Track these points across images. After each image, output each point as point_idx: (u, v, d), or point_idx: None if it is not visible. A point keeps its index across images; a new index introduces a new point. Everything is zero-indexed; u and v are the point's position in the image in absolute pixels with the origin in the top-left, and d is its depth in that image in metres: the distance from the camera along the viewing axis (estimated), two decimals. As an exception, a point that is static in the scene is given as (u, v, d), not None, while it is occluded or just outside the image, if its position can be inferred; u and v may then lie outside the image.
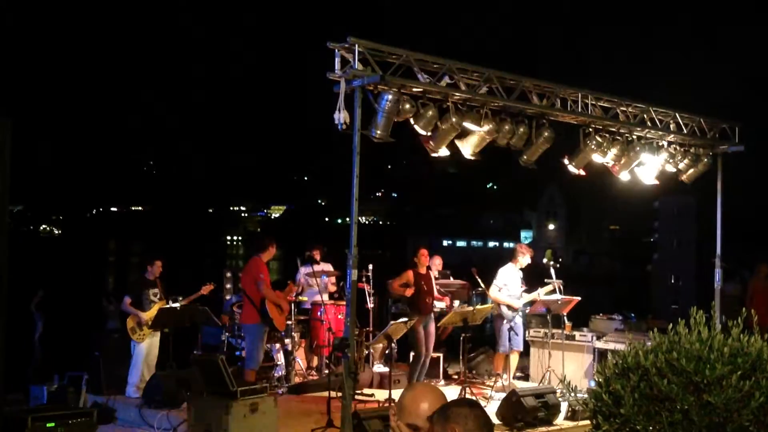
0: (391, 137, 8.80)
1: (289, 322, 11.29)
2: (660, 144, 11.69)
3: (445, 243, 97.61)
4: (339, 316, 11.70)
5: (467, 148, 10.03)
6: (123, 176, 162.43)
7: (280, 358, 11.11)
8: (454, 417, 3.04)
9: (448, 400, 3.23)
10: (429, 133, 9.44)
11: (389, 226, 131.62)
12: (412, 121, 9.16)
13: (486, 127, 9.71)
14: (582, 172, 11.18)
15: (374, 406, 9.78)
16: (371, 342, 11.11)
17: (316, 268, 12.21)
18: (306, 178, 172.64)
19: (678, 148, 11.95)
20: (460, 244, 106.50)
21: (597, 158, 11.08)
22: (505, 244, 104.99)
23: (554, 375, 10.96)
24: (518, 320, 11.40)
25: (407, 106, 8.93)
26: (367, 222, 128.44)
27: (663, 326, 5.60)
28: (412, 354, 11.17)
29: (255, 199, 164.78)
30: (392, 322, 10.03)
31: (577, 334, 11.72)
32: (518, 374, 11.77)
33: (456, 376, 11.93)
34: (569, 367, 11.21)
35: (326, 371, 11.22)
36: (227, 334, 11.21)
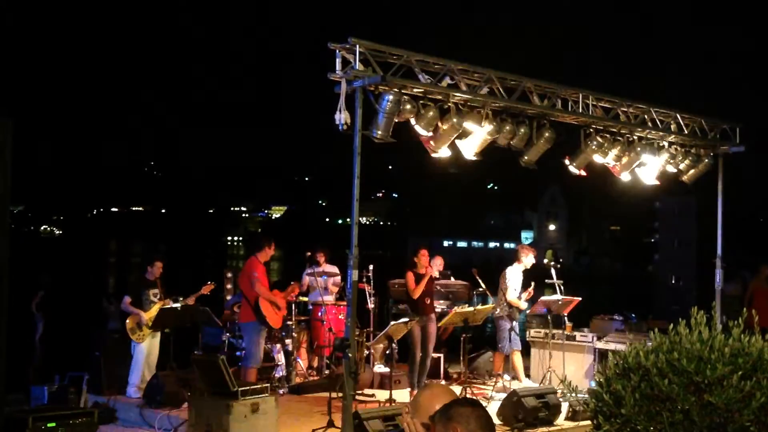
0: (391, 138, 8.80)
1: (290, 323, 11.30)
2: (661, 144, 11.68)
3: (445, 243, 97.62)
4: (340, 317, 11.70)
5: (468, 149, 10.02)
6: (124, 176, 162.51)
7: (281, 358, 11.11)
8: (456, 417, 3.05)
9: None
10: (430, 134, 9.44)
11: (390, 226, 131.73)
12: (412, 121, 9.16)
13: (487, 128, 9.71)
14: (583, 173, 11.18)
15: (375, 406, 9.78)
16: (372, 342, 11.11)
17: (326, 269, 12.26)
18: (307, 179, 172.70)
19: (679, 148, 11.94)
20: (461, 244, 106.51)
21: (598, 159, 11.08)
22: (506, 245, 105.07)
23: (555, 375, 10.96)
24: (515, 322, 11.44)
25: (408, 106, 8.93)
26: (367, 222, 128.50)
27: (664, 326, 5.59)
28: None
29: (256, 199, 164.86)
30: (393, 322, 10.03)
31: (577, 334, 11.72)
32: (511, 374, 11.74)
33: (457, 376, 11.92)
34: (570, 368, 11.21)
35: (327, 371, 11.23)
36: (228, 334, 11.20)
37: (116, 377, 10.51)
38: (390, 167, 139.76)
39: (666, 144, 11.75)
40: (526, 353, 12.02)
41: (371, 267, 12.27)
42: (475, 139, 9.89)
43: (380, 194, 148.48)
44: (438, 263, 11.66)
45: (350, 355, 8.12)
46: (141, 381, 10.31)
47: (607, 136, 10.99)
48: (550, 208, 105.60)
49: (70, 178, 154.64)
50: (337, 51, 8.46)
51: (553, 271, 11.60)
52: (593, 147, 10.84)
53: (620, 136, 11.16)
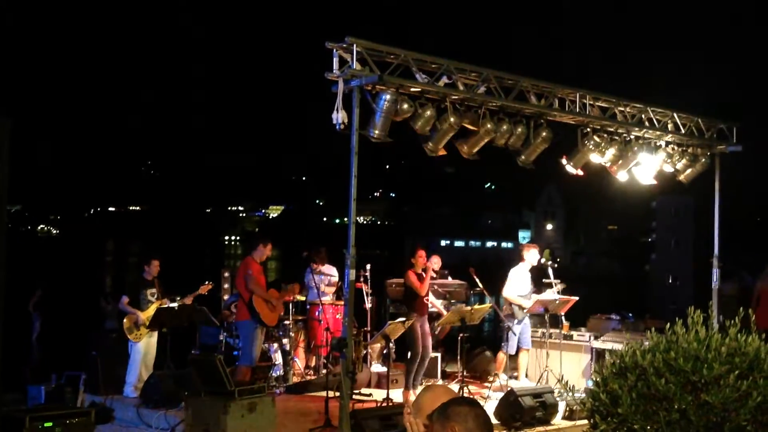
0: (389, 137, 8.80)
1: (287, 322, 11.30)
2: (658, 144, 11.70)
3: (443, 243, 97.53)
4: (337, 316, 11.70)
5: (465, 148, 10.03)
6: (121, 176, 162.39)
7: (278, 357, 11.11)
8: (454, 416, 3.05)
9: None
10: (427, 133, 9.44)
11: (387, 226, 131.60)
12: (410, 121, 9.16)
13: (484, 127, 9.71)
14: (580, 172, 11.19)
15: (372, 405, 9.78)
16: (369, 342, 11.12)
17: (324, 270, 12.27)
18: (304, 178, 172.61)
19: (676, 148, 11.96)
20: (458, 244, 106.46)
21: (595, 158, 11.08)
22: (503, 244, 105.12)
23: (552, 375, 10.97)
24: (527, 320, 11.44)
25: (405, 106, 8.93)
26: (365, 222, 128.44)
27: (660, 326, 5.60)
28: (409, 353, 11.18)
29: (253, 199, 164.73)
30: (390, 321, 10.03)
31: (574, 333, 11.73)
32: (514, 373, 11.75)
33: (457, 376, 11.92)
34: (567, 367, 11.22)
35: (324, 371, 11.22)
36: (225, 333, 11.20)
37: (113, 377, 10.50)
38: (388, 167, 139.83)
39: (663, 143, 11.76)
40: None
41: (368, 266, 12.29)
42: (472, 138, 9.90)
43: (378, 194, 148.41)
44: (435, 262, 11.67)
45: (347, 354, 8.12)
46: (138, 380, 10.31)
47: (605, 135, 11.00)
48: (548, 207, 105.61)
49: (67, 177, 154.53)
50: (335, 50, 8.46)
51: (550, 271, 11.61)
52: (590, 146, 10.85)
53: (617, 136, 11.16)
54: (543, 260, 11.71)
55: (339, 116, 8.31)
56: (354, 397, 9.21)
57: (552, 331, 11.46)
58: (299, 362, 11.88)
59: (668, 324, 5.45)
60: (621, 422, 5.11)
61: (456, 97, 9.43)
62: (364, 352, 11.57)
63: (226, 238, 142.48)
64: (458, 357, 11.05)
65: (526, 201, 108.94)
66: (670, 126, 11.68)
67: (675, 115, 11.66)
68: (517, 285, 11.47)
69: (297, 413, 9.72)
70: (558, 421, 9.57)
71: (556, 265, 11.82)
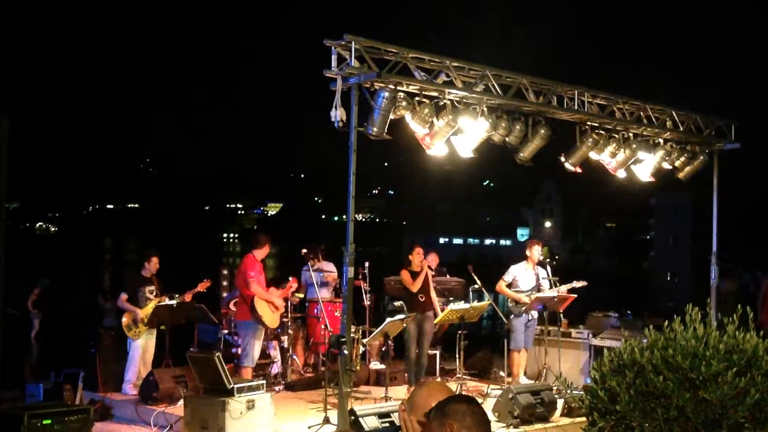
0: (387, 135, 8.80)
1: (286, 319, 11.29)
2: (656, 141, 11.70)
3: (441, 240, 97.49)
4: (336, 314, 11.69)
5: (464, 146, 10.03)
6: (119, 173, 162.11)
7: (277, 355, 11.12)
8: (452, 413, 3.04)
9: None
10: (425, 131, 9.44)
11: (386, 223, 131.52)
12: (408, 118, 9.16)
13: (482, 125, 9.72)
14: (578, 170, 11.19)
15: (371, 403, 9.78)
16: (368, 339, 11.12)
17: (323, 267, 12.27)
18: (303, 176, 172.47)
19: (674, 145, 11.96)
20: (457, 241, 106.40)
21: (593, 156, 11.09)
22: (502, 242, 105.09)
23: (551, 372, 10.98)
24: (534, 316, 11.41)
25: (403, 103, 8.94)
26: (363, 219, 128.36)
27: (659, 323, 5.61)
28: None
29: (251, 196, 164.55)
30: (389, 319, 10.03)
31: (573, 331, 11.74)
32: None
33: (456, 373, 11.93)
34: (565, 364, 11.23)
35: (323, 368, 11.23)
36: (224, 331, 11.19)
37: (112, 374, 10.51)
38: (386, 164, 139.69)
39: (661, 141, 11.77)
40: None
41: (367, 264, 12.29)
42: (470, 136, 9.90)
43: (376, 191, 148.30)
44: (432, 260, 11.67)
45: (346, 351, 8.12)
46: (137, 378, 10.31)
47: (603, 133, 11.00)
48: (546, 205, 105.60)
49: (65, 175, 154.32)
50: (333, 48, 8.46)
51: (548, 268, 11.61)
52: (589, 144, 10.85)
53: (616, 133, 11.17)
54: (542, 257, 11.71)
55: (337, 114, 8.31)
56: (353, 394, 9.21)
57: (551, 328, 11.46)
58: (298, 360, 11.88)
59: (666, 321, 5.45)
60: (619, 419, 5.12)
61: (454, 94, 9.43)
62: (363, 349, 11.58)
63: (225, 235, 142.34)
64: (457, 354, 11.05)
65: (524, 198, 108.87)
66: (668, 123, 11.69)
67: (673, 112, 11.67)
68: (518, 281, 11.44)
69: (295, 411, 9.72)
70: (556, 418, 9.57)
71: (554, 263, 11.82)
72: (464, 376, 11.11)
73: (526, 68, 10.26)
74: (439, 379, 11.67)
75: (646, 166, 11.73)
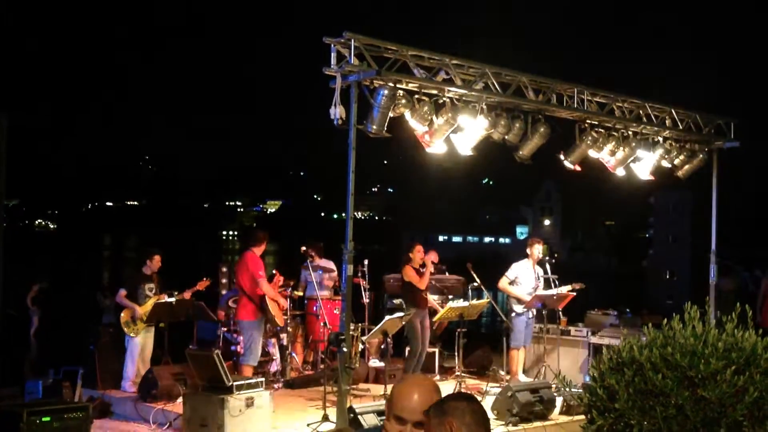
0: (386, 132, 8.80)
1: (285, 317, 11.29)
2: (655, 140, 11.70)
3: (441, 238, 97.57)
4: (335, 311, 11.70)
5: (463, 144, 10.03)
6: (118, 171, 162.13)
7: (276, 352, 11.12)
8: (451, 411, 3.04)
9: (443, 394, 3.22)
10: (425, 129, 9.44)
11: (385, 221, 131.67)
12: (407, 116, 9.16)
13: (482, 123, 9.71)
14: (577, 168, 11.19)
15: (370, 400, 9.78)
16: (367, 337, 11.12)
17: (322, 264, 12.26)
18: (302, 173, 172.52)
19: (673, 143, 11.96)
20: (456, 239, 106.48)
21: (593, 154, 11.09)
22: (501, 240, 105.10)
23: (549, 370, 10.98)
24: (533, 314, 11.43)
25: (403, 101, 8.93)
26: (363, 217, 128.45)
27: (658, 321, 5.61)
28: (407, 349, 11.19)
29: (251, 194, 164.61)
30: (388, 317, 10.03)
31: (572, 329, 11.74)
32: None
33: (455, 371, 11.93)
34: (564, 362, 11.23)
35: (322, 366, 11.24)
36: (223, 328, 11.19)
37: (111, 371, 10.50)
38: (385, 162, 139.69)
39: (661, 139, 11.77)
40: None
41: (366, 262, 12.28)
42: (470, 134, 9.90)
43: (375, 189, 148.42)
44: (432, 257, 11.68)
45: (345, 349, 8.13)
46: (136, 375, 10.30)
47: (602, 131, 11.00)
48: (545, 203, 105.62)
49: (64, 172, 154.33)
50: (332, 45, 8.46)
51: (547, 266, 11.61)
52: (588, 142, 10.85)
53: (615, 131, 11.16)
54: (541, 256, 11.72)
55: (337, 111, 8.31)
56: (352, 392, 9.20)
57: (550, 326, 11.47)
58: (297, 357, 11.88)
59: (665, 319, 5.45)
60: (618, 417, 5.12)
61: (453, 92, 9.42)
62: (362, 347, 11.58)
63: (224, 233, 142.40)
64: (456, 352, 11.06)
65: (524, 197, 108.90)
66: (667, 122, 11.69)
67: (673, 111, 11.67)
68: (519, 279, 11.45)
69: (295, 408, 9.72)
70: (555, 416, 9.58)
71: (553, 261, 11.83)
72: (463, 374, 11.11)
73: (526, 67, 10.22)
74: (437, 377, 11.68)
75: (645, 165, 11.73)
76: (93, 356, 10.56)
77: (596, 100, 10.90)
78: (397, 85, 8.87)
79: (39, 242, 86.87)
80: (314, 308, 11.87)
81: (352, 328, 9.11)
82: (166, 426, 8.94)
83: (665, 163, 11.96)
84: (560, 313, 11.66)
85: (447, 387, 10.14)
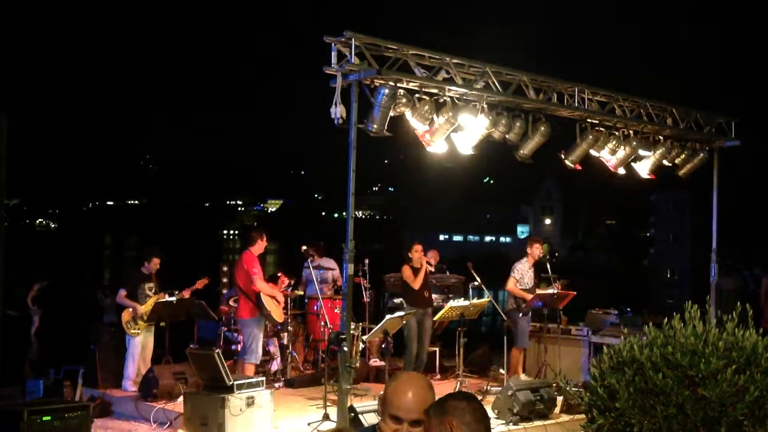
0: (387, 131, 8.80)
1: (285, 316, 11.29)
2: (656, 138, 11.69)
3: (441, 237, 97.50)
4: (335, 310, 11.70)
5: (464, 143, 10.02)
6: (119, 170, 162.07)
7: (277, 352, 11.12)
8: (451, 410, 3.04)
9: (443, 394, 3.22)
10: (425, 128, 9.44)
11: (386, 220, 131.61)
12: (408, 115, 9.15)
13: (482, 122, 9.71)
14: (578, 167, 11.18)
15: (370, 400, 9.78)
16: (367, 336, 11.13)
17: (323, 263, 12.26)
18: (303, 173, 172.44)
19: (674, 142, 11.95)
20: (457, 238, 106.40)
21: (593, 153, 11.08)
22: (502, 239, 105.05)
23: (550, 369, 10.98)
24: (529, 315, 11.45)
25: (403, 100, 8.92)
26: (363, 216, 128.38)
27: (658, 321, 5.61)
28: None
29: (251, 193, 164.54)
30: (388, 316, 10.04)
31: (573, 328, 11.74)
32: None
33: (456, 371, 11.93)
34: (565, 362, 11.24)
35: (322, 365, 11.23)
36: (224, 328, 11.20)
37: (112, 371, 10.51)
38: (386, 161, 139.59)
39: (661, 138, 11.76)
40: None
41: (367, 261, 12.29)
42: (470, 133, 9.89)
43: (376, 188, 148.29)
44: (432, 257, 11.68)
45: (346, 348, 8.13)
46: (136, 374, 10.31)
47: (603, 130, 10.99)
48: (546, 202, 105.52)
49: (65, 171, 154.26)
50: (333, 44, 8.45)
51: (548, 266, 11.61)
52: (589, 141, 10.84)
53: (616, 130, 11.15)
54: (541, 255, 11.72)
55: (337, 111, 8.31)
56: (352, 391, 9.20)
57: (550, 325, 11.47)
58: (297, 356, 11.89)
59: (666, 319, 5.45)
60: (618, 416, 5.12)
61: (454, 91, 9.42)
62: (363, 346, 11.58)
63: (225, 232, 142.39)
64: (456, 352, 11.06)
65: (524, 196, 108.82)
66: (668, 120, 11.68)
67: (673, 109, 11.66)
68: (523, 279, 11.46)
69: (295, 407, 9.73)
70: (556, 415, 9.58)
71: (554, 260, 11.83)
72: (464, 374, 11.11)
73: (526, 66, 10.22)
74: (438, 376, 11.69)
75: (646, 164, 11.73)
76: (94, 355, 10.57)
77: (597, 99, 10.89)
78: (398, 84, 8.86)
79: (40, 241, 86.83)
80: (315, 307, 11.87)
81: (352, 327, 9.11)
82: (166, 425, 8.95)
83: (666, 162, 11.95)
84: (561, 312, 11.66)
85: (448, 386, 10.15)
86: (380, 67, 8.49)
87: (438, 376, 11.70)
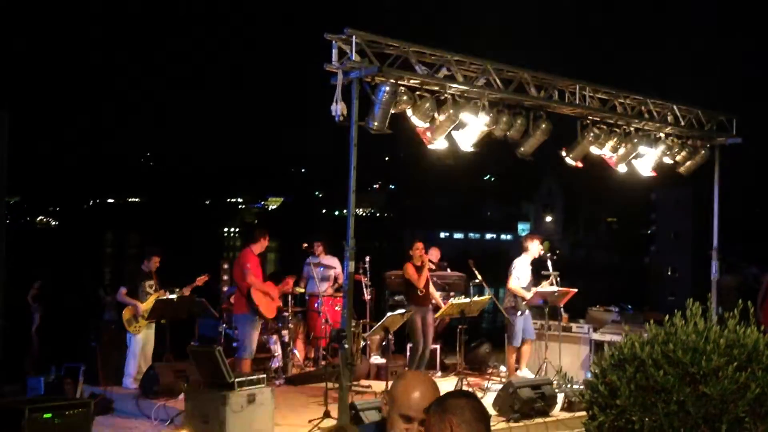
0: (388, 129, 8.79)
1: (286, 313, 11.31)
2: (657, 136, 11.69)
3: (442, 235, 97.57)
4: (336, 308, 11.71)
5: (465, 140, 10.02)
6: (120, 167, 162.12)
7: (278, 349, 11.12)
8: (451, 408, 3.04)
9: (445, 391, 3.22)
10: (426, 125, 9.43)
11: (387, 218, 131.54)
12: (409, 112, 9.15)
13: (483, 119, 9.70)
14: (579, 164, 11.19)
15: (371, 397, 9.79)
16: (368, 333, 11.14)
17: (324, 261, 12.27)
18: (303, 170, 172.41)
19: (675, 140, 11.95)
20: (458, 236, 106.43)
21: (594, 150, 11.08)
22: (503, 236, 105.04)
23: (551, 366, 10.99)
24: (527, 311, 11.44)
25: (404, 97, 8.92)
26: (364, 214, 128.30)
27: (660, 318, 5.60)
28: (409, 345, 11.21)
29: (252, 191, 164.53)
30: (389, 313, 10.04)
31: (574, 325, 11.74)
32: (516, 365, 11.76)
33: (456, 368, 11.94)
34: (566, 359, 11.23)
35: (323, 362, 11.24)
36: (224, 325, 11.21)
37: (113, 368, 10.52)
38: (387, 159, 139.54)
39: (663, 135, 11.75)
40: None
41: (368, 258, 12.29)
42: (471, 130, 9.89)
43: (377, 186, 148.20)
44: (434, 254, 11.69)
45: (346, 346, 8.13)
46: (137, 372, 10.32)
47: (604, 127, 10.99)
48: (547, 199, 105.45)
49: (66, 169, 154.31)
50: (334, 42, 8.45)
51: (549, 263, 11.61)
52: (590, 138, 10.84)
53: (617, 128, 11.15)
54: (542, 252, 11.71)
55: (338, 108, 8.30)
56: (353, 388, 9.22)
57: (551, 323, 11.47)
58: (298, 354, 11.90)
59: (667, 316, 5.45)
60: (619, 414, 5.12)
61: (455, 88, 9.41)
62: (364, 343, 11.60)
63: (225, 230, 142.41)
64: (457, 349, 11.06)
65: (525, 193, 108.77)
66: (669, 118, 11.67)
67: (675, 107, 11.66)
68: (521, 276, 11.46)
69: (296, 405, 9.74)
70: (557, 412, 9.58)
71: (555, 257, 11.82)
72: (464, 371, 11.12)
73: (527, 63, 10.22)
74: (439, 373, 11.69)
75: (647, 161, 11.72)
76: (95, 353, 10.58)
77: (598, 96, 10.89)
78: (399, 82, 8.86)
79: (41, 239, 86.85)
80: (315, 305, 11.88)
81: (353, 324, 9.11)
82: (167, 422, 8.94)
83: (667, 160, 11.95)
84: (562, 309, 11.66)
85: (448, 384, 10.15)
86: (381, 65, 8.49)
87: (439, 374, 11.70)
